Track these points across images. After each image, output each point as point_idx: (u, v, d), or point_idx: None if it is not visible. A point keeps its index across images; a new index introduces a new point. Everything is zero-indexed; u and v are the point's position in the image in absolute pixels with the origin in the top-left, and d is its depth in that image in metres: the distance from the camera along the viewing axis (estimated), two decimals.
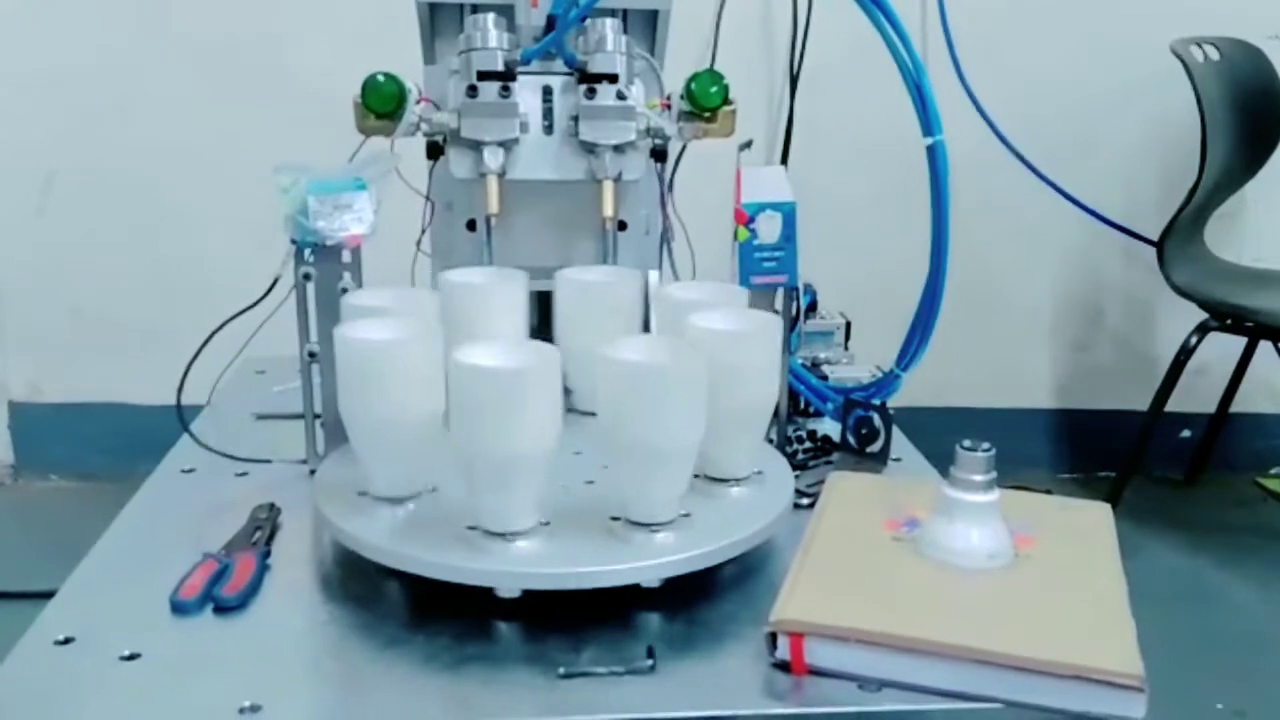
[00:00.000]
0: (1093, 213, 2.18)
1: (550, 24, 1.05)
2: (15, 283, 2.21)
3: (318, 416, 1.05)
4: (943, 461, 2.06)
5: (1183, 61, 1.86)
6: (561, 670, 0.75)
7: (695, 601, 0.84)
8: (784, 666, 0.76)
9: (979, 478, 0.84)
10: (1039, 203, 2.18)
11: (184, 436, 1.11)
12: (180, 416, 1.08)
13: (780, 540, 0.90)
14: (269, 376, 1.30)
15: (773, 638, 0.76)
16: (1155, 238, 2.00)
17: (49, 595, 1.81)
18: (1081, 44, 2.17)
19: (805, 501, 0.99)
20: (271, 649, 0.79)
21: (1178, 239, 1.94)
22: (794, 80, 2.09)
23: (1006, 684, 0.72)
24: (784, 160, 2.12)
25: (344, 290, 1.00)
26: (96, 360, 2.25)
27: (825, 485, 0.98)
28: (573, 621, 0.81)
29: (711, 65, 2.06)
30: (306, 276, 1.00)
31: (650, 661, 0.77)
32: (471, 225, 1.16)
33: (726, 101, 1.04)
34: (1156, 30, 1.97)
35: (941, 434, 2.24)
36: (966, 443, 0.85)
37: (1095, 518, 0.94)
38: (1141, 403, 2.07)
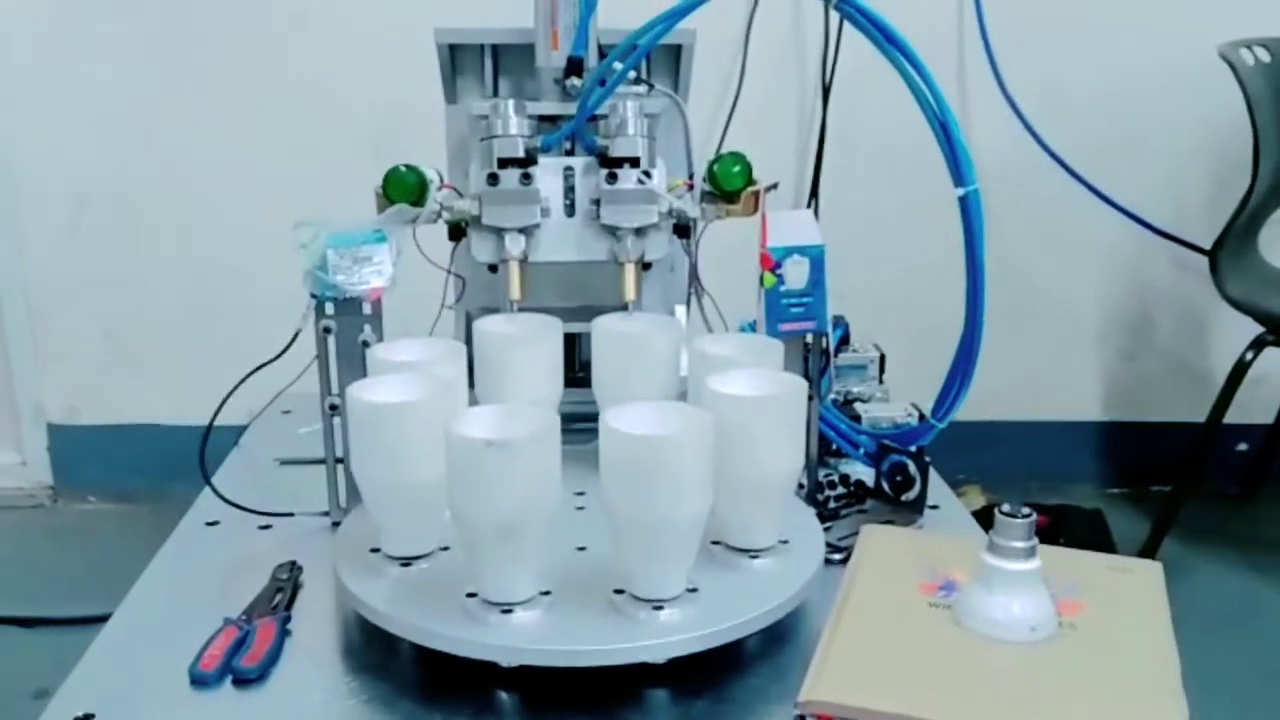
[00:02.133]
0: (1138, 219, 2.12)
1: (570, 65, 1.03)
2: (50, 305, 2.22)
3: (340, 461, 1.04)
4: (984, 476, 2.00)
5: (1231, 65, 1.79)
6: None
7: (722, 675, 0.82)
8: None
9: (1020, 544, 0.80)
10: (1083, 208, 2.11)
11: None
12: (203, 469, 1.07)
13: (812, 603, 0.87)
14: (295, 416, 1.29)
15: (802, 719, 0.74)
16: (1206, 245, 1.94)
17: (92, 620, 1.82)
18: (1124, 43, 2.10)
19: (837, 557, 0.96)
20: None
21: (1231, 249, 1.87)
22: (826, 91, 2.05)
23: None
24: (816, 172, 2.07)
25: (365, 344, 0.98)
26: (132, 382, 2.25)
27: (858, 541, 0.95)
28: (592, 697, 0.78)
29: (741, 75, 2.03)
30: (327, 330, 0.99)
31: None
32: (494, 267, 1.13)
33: (750, 182, 1.02)
34: (1203, 28, 1.89)
35: (983, 448, 2.19)
36: (1006, 507, 0.81)
37: (1144, 579, 0.90)
38: (1193, 414, 2.01)
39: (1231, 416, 1.92)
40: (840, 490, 1.08)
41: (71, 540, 2.21)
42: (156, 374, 2.24)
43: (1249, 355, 1.83)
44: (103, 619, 1.84)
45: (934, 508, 1.08)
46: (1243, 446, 2.26)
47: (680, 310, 1.19)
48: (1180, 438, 2.06)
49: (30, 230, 2.19)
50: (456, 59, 1.13)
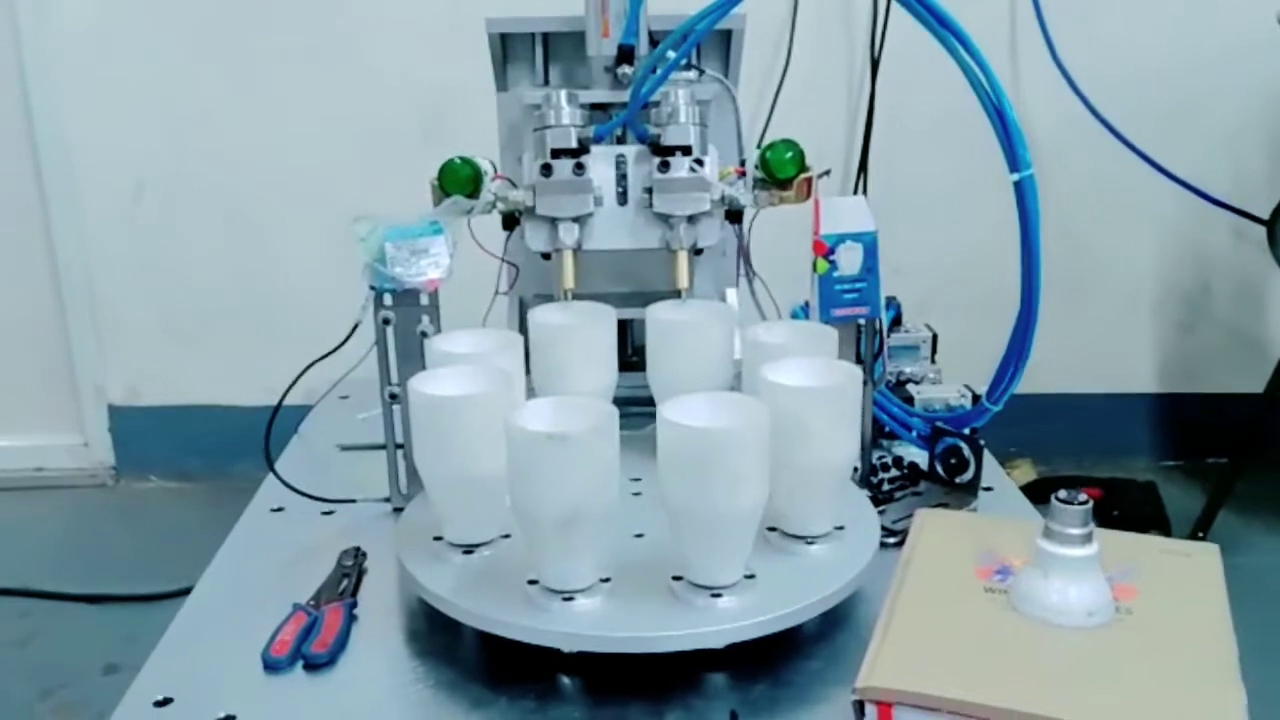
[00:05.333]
0: (1195, 189, 2.08)
1: (622, 53, 1.03)
2: (111, 290, 2.28)
3: (400, 447, 1.06)
4: (1037, 449, 2.00)
5: None
6: None
7: (779, 659, 0.83)
8: None
9: (1076, 531, 0.80)
10: (1138, 178, 2.08)
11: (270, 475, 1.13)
12: (268, 458, 1.10)
13: (867, 587, 0.88)
14: (353, 402, 1.31)
15: (860, 705, 0.75)
16: (1265, 215, 1.90)
17: (157, 598, 1.85)
18: (1180, 9, 2.06)
19: (892, 541, 0.96)
20: (361, 709, 0.80)
21: None
22: (875, 65, 2.03)
23: None
24: (865, 146, 2.05)
25: (423, 334, 1.00)
26: (191, 364, 2.30)
27: (913, 525, 0.95)
28: (653, 682, 0.80)
29: (789, 52, 2.02)
30: (386, 321, 1.00)
31: None
32: (547, 255, 1.15)
33: (803, 169, 1.02)
34: None
35: (1036, 422, 2.17)
36: (1062, 494, 0.81)
37: (1202, 562, 0.89)
38: (1250, 386, 1.98)
39: None
40: (894, 473, 1.09)
41: (133, 519, 2.27)
42: (215, 356, 2.29)
43: None
44: (167, 596, 1.88)
45: (988, 489, 1.08)
46: None
47: (731, 294, 1.19)
48: (1237, 409, 2.03)
49: (90, 216, 2.24)
50: (508, 47, 1.13)
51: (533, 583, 0.82)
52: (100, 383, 2.35)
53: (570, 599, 0.80)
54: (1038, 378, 1.98)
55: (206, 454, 2.29)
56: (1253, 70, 2.04)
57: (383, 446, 1.08)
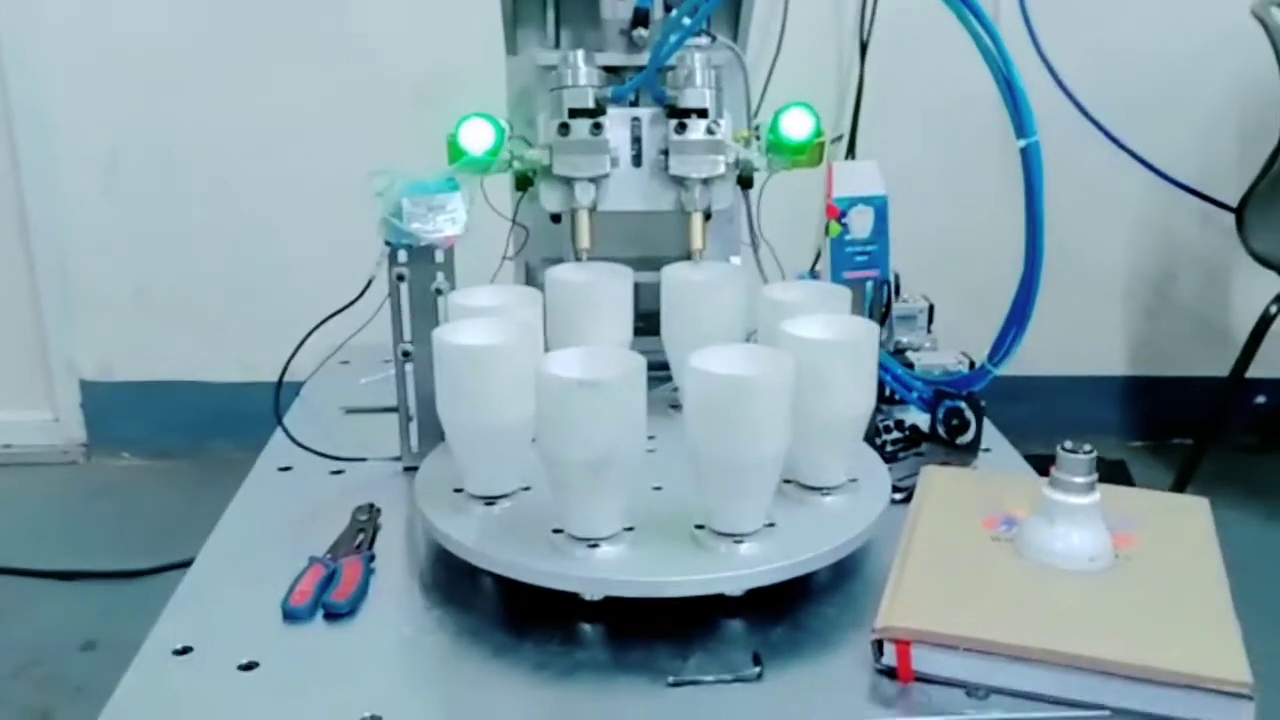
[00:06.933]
0: (1166, 177, 2.14)
1: (637, 17, 1.04)
2: (84, 263, 2.24)
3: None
4: (1009, 429, 2.05)
5: (1263, 24, 1.80)
6: (670, 679, 0.77)
7: (796, 605, 0.85)
8: (890, 673, 0.77)
9: (1080, 480, 0.83)
10: (1112, 165, 2.13)
11: (277, 431, 1.13)
12: (278, 413, 1.10)
13: (878, 540, 0.91)
14: (354, 367, 1.31)
15: (879, 644, 0.77)
16: (1233, 203, 1.96)
17: (134, 574, 1.83)
18: (1157, 1, 2.11)
19: (899, 497, 0.99)
20: (384, 657, 0.81)
21: (1258, 205, 1.90)
22: (864, 46, 2.05)
23: (1114, 691, 0.73)
24: (853, 128, 2.08)
25: (438, 291, 1.01)
26: (166, 339, 2.28)
27: (920, 480, 0.98)
28: (674, 628, 0.82)
29: (781, 33, 2.04)
30: (400, 277, 1.01)
31: (758, 669, 0.78)
32: (556, 218, 1.16)
33: (818, 134, 1.04)
34: None
35: (1008, 402, 2.21)
36: (1068, 444, 0.84)
37: (1194, 514, 0.93)
38: (1214, 369, 2.04)
39: (1249, 371, 1.96)
40: (896, 434, 1.11)
41: (105, 496, 2.24)
42: (190, 331, 2.27)
43: (1273, 309, 1.87)
44: (143, 573, 1.85)
45: (987, 450, 1.11)
46: (1260, 400, 2.30)
47: (736, 261, 1.21)
48: (1202, 392, 2.09)
49: (64, 187, 2.20)
50: (518, 10, 1.14)
51: (557, 531, 0.83)
52: (71, 357, 2.32)
53: (595, 546, 0.82)
54: (1011, 360, 2.02)
55: (180, 431, 2.27)
56: (1226, 62, 2.10)
57: (389, 409, 1.09)
